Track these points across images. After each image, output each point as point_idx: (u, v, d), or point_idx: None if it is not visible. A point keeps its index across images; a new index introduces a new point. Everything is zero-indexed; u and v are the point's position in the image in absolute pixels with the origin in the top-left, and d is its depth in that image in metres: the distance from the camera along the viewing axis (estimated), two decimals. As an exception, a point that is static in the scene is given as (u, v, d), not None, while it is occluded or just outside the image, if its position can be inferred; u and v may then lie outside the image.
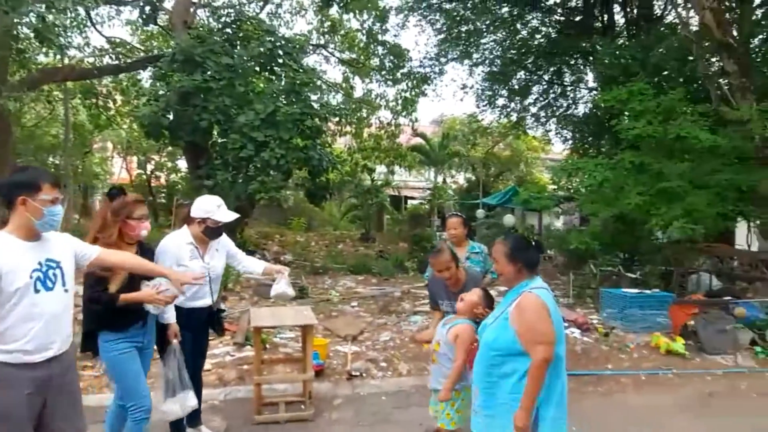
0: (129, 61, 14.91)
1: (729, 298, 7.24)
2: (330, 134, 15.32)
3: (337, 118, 13.50)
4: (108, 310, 2.98)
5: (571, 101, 15.85)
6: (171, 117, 11.43)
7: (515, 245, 2.80)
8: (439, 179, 24.66)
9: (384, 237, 19.84)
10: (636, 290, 7.25)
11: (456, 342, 3.24)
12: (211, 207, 3.54)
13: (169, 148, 19.99)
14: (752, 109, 7.18)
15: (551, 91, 15.71)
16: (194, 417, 3.75)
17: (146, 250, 3.28)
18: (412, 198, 26.29)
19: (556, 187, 10.55)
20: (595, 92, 13.73)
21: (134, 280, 3.03)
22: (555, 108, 15.88)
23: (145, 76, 16.07)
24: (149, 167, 22.89)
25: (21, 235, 2.38)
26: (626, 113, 8.06)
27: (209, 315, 3.73)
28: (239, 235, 12.02)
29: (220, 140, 11.96)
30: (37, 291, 2.36)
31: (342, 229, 23.07)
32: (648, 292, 7.17)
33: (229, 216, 3.58)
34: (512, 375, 2.64)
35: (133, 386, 3.07)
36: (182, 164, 20.65)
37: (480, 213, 18.33)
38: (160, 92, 11.86)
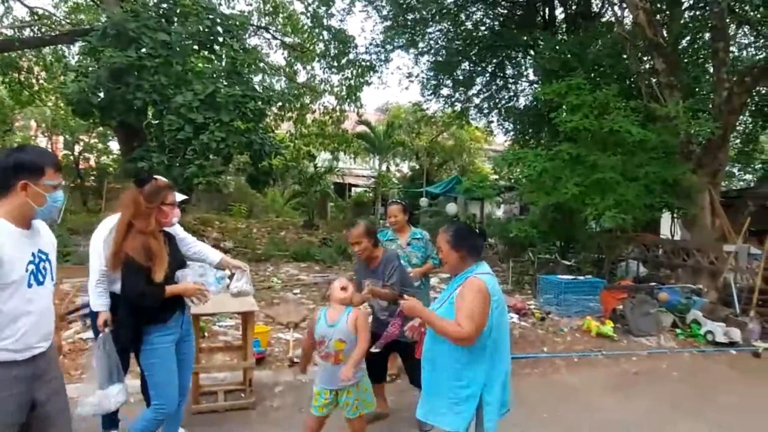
0: (54, 34, 13.91)
1: (654, 283, 7.69)
2: (272, 119, 14.97)
3: (279, 103, 13.16)
4: (142, 304, 2.82)
5: (512, 94, 16.23)
6: (102, 95, 10.80)
7: (458, 233, 2.85)
8: (384, 167, 24.71)
9: (328, 224, 19.71)
10: (570, 277, 7.57)
11: (357, 325, 3.22)
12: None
13: (100, 128, 18.95)
14: (679, 106, 7.61)
15: (494, 83, 16.02)
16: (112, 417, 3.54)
17: (170, 236, 3.11)
18: (357, 186, 26.25)
19: (497, 176, 10.81)
20: (535, 85, 14.12)
21: (170, 269, 2.88)
22: (497, 100, 16.20)
23: (72, 51, 15.12)
24: (77, 148, 21.56)
25: (16, 221, 2.14)
26: (564, 106, 8.33)
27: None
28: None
29: (155, 121, 11.42)
30: (30, 285, 2.15)
31: (285, 216, 22.71)
32: (581, 278, 7.50)
33: (178, 197, 3.43)
34: (456, 363, 2.68)
35: (164, 384, 2.92)
36: (114, 146, 19.61)
37: (423, 201, 18.56)
38: (90, 68, 11.16)
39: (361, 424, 3.41)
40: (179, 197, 3.43)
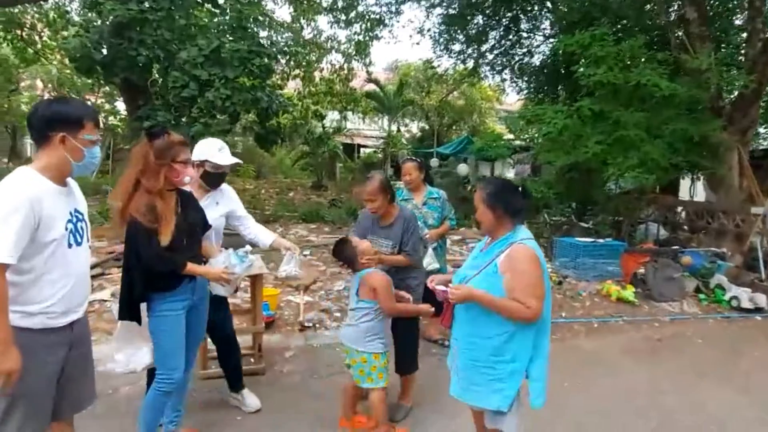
0: (54, -13, 13.42)
1: (676, 247, 7.42)
2: (279, 77, 14.53)
3: (287, 58, 12.69)
4: (159, 270, 2.60)
5: (527, 50, 15.55)
6: (105, 51, 10.44)
7: (495, 190, 2.55)
8: (393, 128, 24.22)
9: (336, 185, 19.49)
10: (589, 239, 7.31)
11: (376, 296, 3.00)
12: (210, 149, 3.15)
13: (106, 88, 18.58)
14: (711, 58, 7.15)
15: (507, 38, 15.36)
16: (236, 380, 3.51)
17: (187, 196, 2.83)
18: (365, 146, 25.86)
19: (512, 136, 10.42)
20: (551, 40, 13.50)
21: (180, 232, 2.63)
22: (511, 56, 15.57)
23: (74, 5, 14.63)
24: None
25: (53, 177, 2.04)
26: (586, 60, 7.87)
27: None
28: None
29: (160, 78, 11.09)
30: (69, 246, 2.06)
31: (293, 177, 22.49)
32: (601, 241, 7.24)
33: (230, 159, 3.21)
34: (496, 336, 2.44)
35: (168, 354, 2.71)
36: (121, 106, 19.27)
37: (434, 162, 18.18)
38: (92, 23, 10.77)
39: (372, 396, 3.14)
40: (232, 160, 3.21)
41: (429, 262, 4.07)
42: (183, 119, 10.36)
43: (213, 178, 3.23)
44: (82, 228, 2.15)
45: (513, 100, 25.81)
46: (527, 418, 2.65)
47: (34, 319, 1.99)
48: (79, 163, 2.07)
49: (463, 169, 15.43)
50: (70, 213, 2.09)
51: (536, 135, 8.28)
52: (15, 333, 1.93)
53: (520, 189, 2.57)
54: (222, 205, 3.36)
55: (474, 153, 12.28)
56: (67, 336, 2.11)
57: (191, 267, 2.67)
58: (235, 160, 3.25)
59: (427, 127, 24.97)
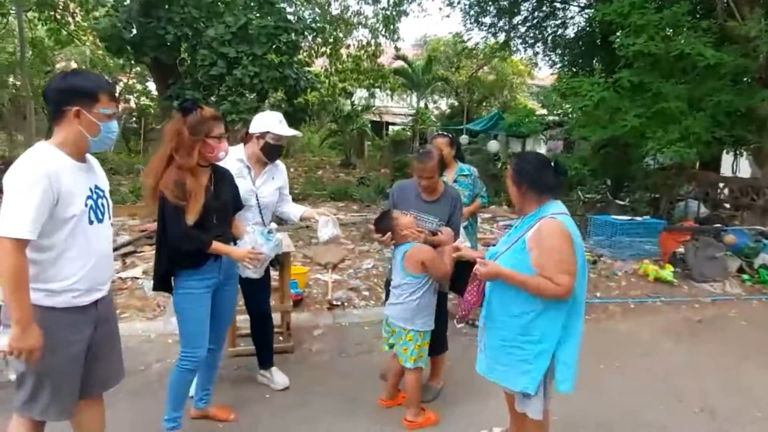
0: (85, -34, 13.50)
1: (718, 225, 7.10)
2: (306, 54, 14.38)
3: (314, 34, 12.53)
4: (186, 248, 2.58)
5: (560, 21, 14.99)
6: (134, 31, 10.50)
7: (522, 165, 2.45)
8: (422, 104, 23.87)
9: (365, 163, 19.41)
10: (626, 217, 7.05)
11: (426, 269, 2.95)
12: (271, 121, 3.17)
13: (138, 68, 18.79)
14: (761, 24, 6.70)
15: (541, 9, 14.81)
16: (266, 358, 3.54)
17: (222, 173, 2.80)
18: (394, 124, 25.59)
19: (546, 111, 10.09)
20: (588, 11, 12.95)
21: (209, 211, 2.61)
22: (544, 28, 15.03)
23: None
24: (117, 89, 21.59)
25: (71, 153, 2.01)
26: (625, 29, 7.49)
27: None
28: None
29: (188, 57, 11.11)
30: (90, 222, 2.04)
31: (321, 155, 22.48)
32: (639, 219, 6.98)
33: (291, 131, 3.26)
34: (524, 315, 2.35)
35: (191, 332, 2.70)
36: (152, 87, 19.48)
37: (464, 139, 17.83)
38: (122, 3, 10.81)
39: (409, 376, 3.10)
40: (289, 132, 3.21)
41: (460, 240, 3.95)
42: (212, 98, 10.39)
43: (274, 150, 3.21)
44: (103, 205, 2.12)
45: (545, 74, 25.20)
46: (559, 400, 2.55)
47: (58, 297, 1.97)
48: (95, 138, 2.01)
49: (493, 145, 15.10)
50: (90, 189, 2.05)
51: (571, 109, 7.97)
52: (40, 312, 1.92)
53: (552, 164, 2.44)
54: (277, 180, 3.36)
55: (505, 129, 11.98)
56: (92, 315, 2.10)
57: (216, 246, 2.63)
58: (295, 131, 3.25)
59: (456, 103, 24.50)
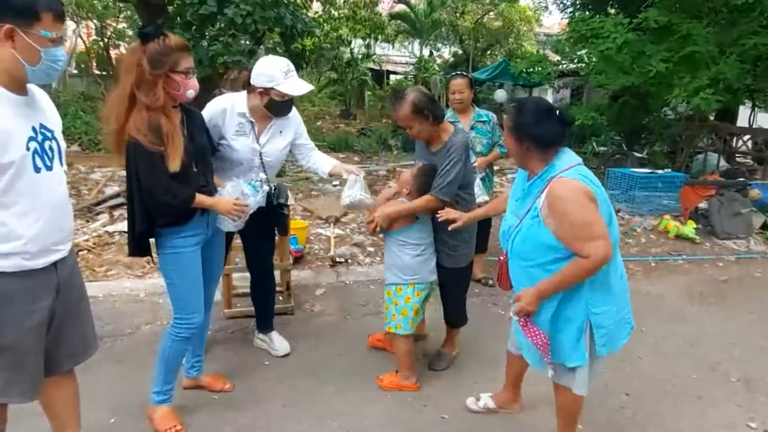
0: None
1: (743, 179, 6.72)
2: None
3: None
4: (169, 204, 2.18)
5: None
6: (117, -35, 9.74)
7: (522, 117, 2.03)
8: (425, 52, 22.97)
9: (365, 114, 18.82)
10: (646, 170, 6.65)
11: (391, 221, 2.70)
12: (275, 73, 2.59)
13: (128, 12, 17.83)
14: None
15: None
16: (266, 320, 3.23)
17: (193, 114, 2.38)
18: (395, 73, 24.75)
19: (558, 57, 9.48)
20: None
21: (189, 157, 2.21)
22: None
23: None
24: (107, 34, 20.65)
25: (4, 82, 1.59)
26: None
27: (272, 215, 2.91)
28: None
29: (177, -5, 10.38)
30: (37, 170, 1.65)
31: (320, 105, 21.79)
32: (659, 172, 6.58)
33: (301, 87, 2.64)
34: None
35: (184, 295, 2.35)
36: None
37: (500, 95, 17.16)
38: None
39: (395, 344, 2.86)
40: (305, 87, 2.64)
41: (477, 193, 3.58)
42: (204, 40, 9.74)
43: (280, 106, 2.70)
44: (51, 148, 1.71)
45: (552, 23, 24.31)
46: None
47: (7, 261, 1.61)
48: (34, 68, 1.59)
49: (500, 95, 14.49)
50: (34, 129, 1.64)
51: (590, 54, 7.41)
52: None
53: (556, 112, 2.04)
54: (286, 134, 2.88)
55: (516, 76, 11.36)
56: (50, 279, 1.74)
57: (200, 199, 2.25)
58: (308, 87, 2.67)
59: (460, 51, 23.60)
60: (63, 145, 1.81)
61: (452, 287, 2.95)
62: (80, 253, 4.51)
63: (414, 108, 2.64)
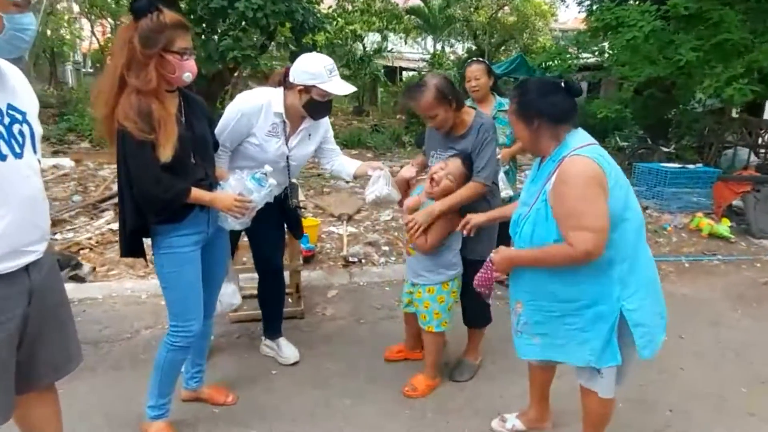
0: None
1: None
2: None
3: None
4: (160, 198, 1.95)
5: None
6: (127, -39, 9.60)
7: (526, 96, 1.87)
8: (438, 47, 22.69)
9: (378, 110, 18.61)
10: (677, 165, 6.32)
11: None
12: (320, 70, 2.37)
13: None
14: None
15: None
16: (275, 326, 3.00)
17: (193, 101, 2.15)
18: (407, 69, 24.49)
19: (578, 48, 9.13)
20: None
21: (186, 147, 1.99)
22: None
23: None
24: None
25: None
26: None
27: (282, 211, 2.75)
28: (219, 106, 10.80)
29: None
30: (3, 157, 1.40)
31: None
32: (690, 167, 6.25)
33: (344, 88, 2.43)
34: (560, 275, 1.87)
35: (181, 300, 2.12)
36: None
37: None
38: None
39: (431, 341, 2.69)
40: (348, 88, 2.43)
41: (501, 187, 3.31)
42: (216, 36, 9.58)
43: (320, 108, 2.49)
44: (22, 133, 1.47)
45: (566, 18, 23.99)
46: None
47: None
48: None
49: (516, 90, 14.17)
50: None
51: (613, 44, 7.07)
52: None
53: (562, 84, 1.85)
54: (314, 137, 2.68)
55: (532, 71, 11.05)
56: (21, 285, 1.50)
57: (196, 194, 2.01)
58: (352, 88, 2.46)
59: (474, 47, 23.26)
60: (39, 130, 1.57)
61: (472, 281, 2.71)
62: (82, 251, 4.32)
63: (438, 93, 2.43)
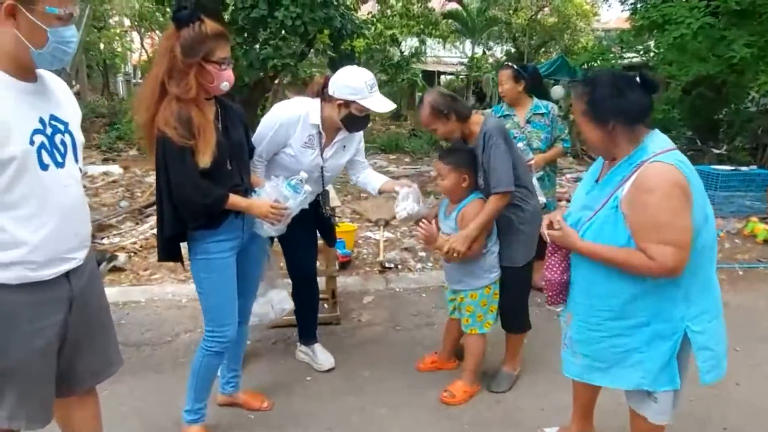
0: None
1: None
2: (353, -1, 13.49)
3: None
4: (199, 203, 2.00)
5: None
6: (174, -24, 9.94)
7: (598, 92, 1.70)
8: (477, 50, 22.49)
9: (416, 115, 18.52)
10: (728, 167, 6.02)
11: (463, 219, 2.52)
12: (361, 86, 2.39)
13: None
14: None
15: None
16: (310, 332, 3.01)
17: (230, 109, 2.18)
18: (446, 73, 24.41)
19: (621, 47, 8.85)
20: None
21: (223, 154, 2.03)
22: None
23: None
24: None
25: (6, 67, 1.40)
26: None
27: (315, 218, 2.78)
28: (260, 113, 11.03)
29: (231, 1, 10.51)
30: (44, 167, 1.44)
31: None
32: (744, 169, 5.94)
33: (384, 105, 2.45)
34: (621, 293, 1.74)
35: (217, 306, 2.15)
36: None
37: (558, 91, 16.57)
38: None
39: (473, 343, 2.66)
40: (384, 106, 2.44)
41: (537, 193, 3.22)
42: (256, 45, 9.79)
43: (357, 122, 2.51)
44: (64, 142, 1.51)
45: (609, 17, 23.40)
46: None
47: (9, 271, 1.42)
48: (41, 50, 1.39)
49: (558, 91, 13.84)
50: (42, 121, 1.44)
51: (659, 43, 6.81)
52: None
53: (637, 79, 1.69)
54: (349, 149, 2.71)
55: (574, 72, 10.80)
56: (62, 291, 1.54)
57: (234, 200, 2.03)
58: (391, 105, 2.48)
59: (513, 50, 22.96)
60: (81, 139, 1.62)
61: (509, 287, 2.65)
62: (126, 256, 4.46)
63: (432, 110, 2.49)
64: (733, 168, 5.99)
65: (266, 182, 2.27)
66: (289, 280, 2.91)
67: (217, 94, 2.07)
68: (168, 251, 2.13)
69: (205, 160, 1.93)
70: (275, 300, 2.64)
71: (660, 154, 1.64)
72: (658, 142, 1.70)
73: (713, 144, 7.52)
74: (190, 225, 2.04)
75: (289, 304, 2.74)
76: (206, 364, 2.22)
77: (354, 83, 2.39)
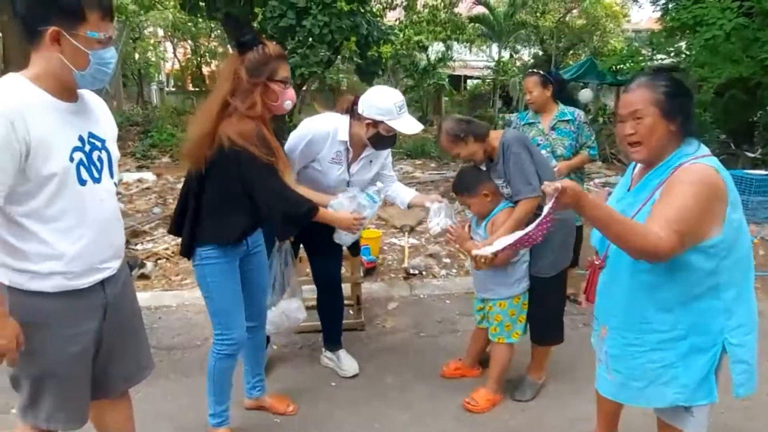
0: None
1: None
2: (380, 4, 13.61)
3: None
4: (295, 216, 2.12)
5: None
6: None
7: (675, 89, 1.66)
8: (504, 54, 22.33)
9: (443, 119, 18.51)
10: (763, 172, 5.86)
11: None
12: (390, 107, 2.45)
13: (218, 31, 18.80)
14: None
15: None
16: (334, 337, 3.08)
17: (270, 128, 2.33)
18: (472, 77, 24.29)
19: (652, 49, 8.70)
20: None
21: None
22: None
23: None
24: (200, 53, 22.01)
25: (50, 88, 1.48)
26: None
27: None
28: (289, 120, 11.21)
29: (260, 11, 10.76)
30: (82, 182, 1.53)
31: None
32: (782, 173, 5.78)
33: (412, 126, 2.51)
34: (658, 307, 1.70)
35: (223, 309, 2.23)
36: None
37: (585, 94, 16.37)
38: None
39: (500, 352, 2.67)
40: (415, 127, 2.51)
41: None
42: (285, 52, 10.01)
43: (384, 141, 2.56)
44: (100, 159, 1.59)
45: (639, 18, 22.93)
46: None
47: (48, 281, 1.50)
48: (83, 72, 1.47)
49: (587, 94, 13.68)
50: (80, 138, 1.53)
51: (690, 45, 6.68)
52: (24, 299, 1.49)
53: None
54: (375, 164, 2.77)
55: (602, 75, 10.65)
56: (97, 299, 1.63)
57: (323, 212, 2.17)
58: (419, 126, 2.53)
59: (541, 53, 22.71)
60: (116, 154, 1.71)
61: (539, 298, 2.64)
62: (158, 261, 4.60)
63: (449, 136, 2.55)
64: (766, 173, 5.83)
65: (340, 194, 2.42)
66: (306, 286, 2.97)
67: (280, 113, 2.17)
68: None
69: (290, 177, 2.07)
70: (290, 309, 2.71)
71: (702, 157, 1.63)
72: (694, 146, 1.68)
73: (747, 148, 7.31)
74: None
75: (303, 314, 2.79)
76: (219, 368, 2.28)
77: (383, 104, 2.45)
